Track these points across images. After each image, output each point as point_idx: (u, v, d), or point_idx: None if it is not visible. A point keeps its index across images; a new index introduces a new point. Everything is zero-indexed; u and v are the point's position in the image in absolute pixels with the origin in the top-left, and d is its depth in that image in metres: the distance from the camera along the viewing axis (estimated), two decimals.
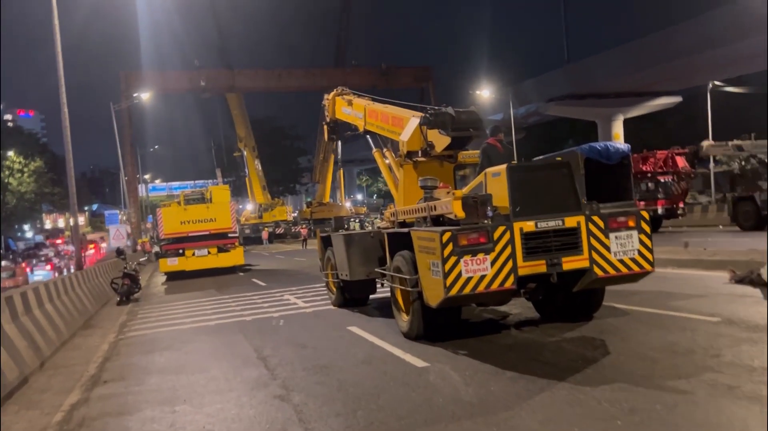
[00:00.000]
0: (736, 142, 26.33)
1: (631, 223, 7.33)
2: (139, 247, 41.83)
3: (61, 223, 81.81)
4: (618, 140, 44.18)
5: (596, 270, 7.19)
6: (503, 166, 7.26)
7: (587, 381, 5.53)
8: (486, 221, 7.09)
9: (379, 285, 11.00)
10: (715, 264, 12.36)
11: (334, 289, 11.93)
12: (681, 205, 27.02)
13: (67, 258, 45.18)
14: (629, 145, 8.07)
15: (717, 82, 40.85)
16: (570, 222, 7.15)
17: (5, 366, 7.26)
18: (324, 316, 11.03)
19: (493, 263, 6.90)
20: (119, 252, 20.53)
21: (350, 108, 12.75)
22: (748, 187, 24.41)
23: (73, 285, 13.71)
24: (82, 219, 79.80)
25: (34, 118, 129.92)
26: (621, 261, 7.28)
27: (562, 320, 8.26)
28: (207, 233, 23.27)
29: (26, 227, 78.21)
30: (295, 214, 63.32)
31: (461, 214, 7.07)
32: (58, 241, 66.28)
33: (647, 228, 7.39)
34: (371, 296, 11.76)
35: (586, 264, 7.18)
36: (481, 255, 6.87)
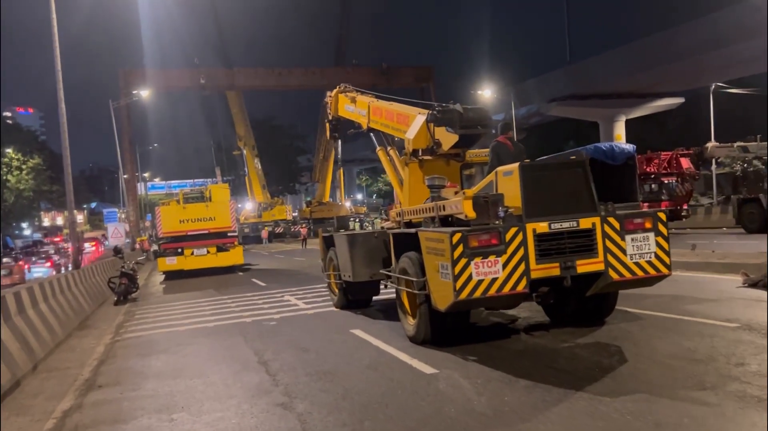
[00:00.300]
0: (741, 143, 26.09)
1: (648, 225, 7.05)
2: (137, 246, 41.53)
3: (59, 221, 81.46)
4: (619, 141, 43.91)
5: (611, 273, 6.92)
6: (515, 165, 6.98)
7: (607, 391, 5.25)
8: (497, 222, 6.82)
9: (382, 287, 10.73)
10: (726, 267, 12.10)
11: (336, 290, 11.65)
12: (685, 206, 26.76)
13: (67, 255, 44.81)
14: (634, 146, 7.81)
15: (720, 84, 40.59)
16: (585, 223, 6.87)
17: None
18: (326, 318, 10.75)
19: (505, 265, 6.62)
20: (117, 251, 20.24)
21: (353, 105, 12.48)
22: (753, 189, 24.18)
23: (69, 284, 13.42)
24: (80, 218, 79.48)
25: (33, 116, 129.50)
26: (637, 264, 7.00)
27: (573, 325, 7.98)
28: (206, 232, 22.98)
29: (24, 225, 77.82)
30: (295, 214, 63.05)
31: (472, 214, 6.79)
32: (57, 239, 65.94)
33: (664, 230, 7.11)
34: (374, 298, 11.50)
35: (601, 267, 6.90)
36: (492, 258, 6.60)
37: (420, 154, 9.73)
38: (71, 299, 12.85)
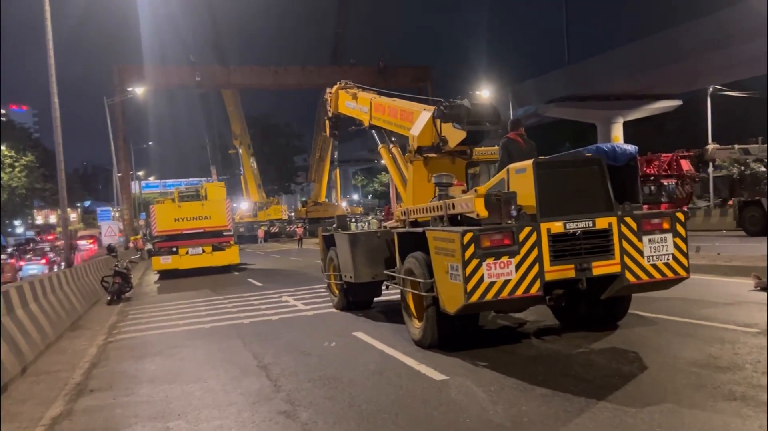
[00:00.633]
0: (742, 145, 25.90)
1: (666, 226, 6.77)
2: (131, 245, 41.06)
3: (52, 219, 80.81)
4: (617, 142, 43.73)
5: (628, 276, 6.63)
6: (529, 162, 6.68)
7: (630, 401, 4.95)
8: (510, 221, 6.52)
9: (384, 288, 10.43)
10: (734, 270, 11.85)
11: (337, 292, 11.33)
12: (684, 208, 26.55)
13: (62, 253, 44.34)
14: (636, 147, 7.54)
15: (718, 86, 40.48)
16: (601, 223, 6.58)
17: None
18: (326, 320, 10.42)
19: (518, 267, 6.32)
20: (110, 249, 19.84)
21: (354, 102, 12.18)
22: (753, 192, 23.99)
23: (61, 283, 13.04)
24: (74, 216, 78.85)
25: (26, 113, 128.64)
26: (654, 266, 6.72)
27: (584, 329, 7.69)
28: (201, 231, 22.62)
29: (17, 223, 77.15)
30: (291, 213, 62.67)
31: (484, 213, 6.49)
32: (49, 237, 65.39)
33: (683, 231, 6.83)
34: (375, 299, 11.18)
35: (617, 269, 6.61)
36: (505, 259, 6.29)
37: (425, 151, 9.44)
38: (63, 299, 12.48)
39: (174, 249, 22.35)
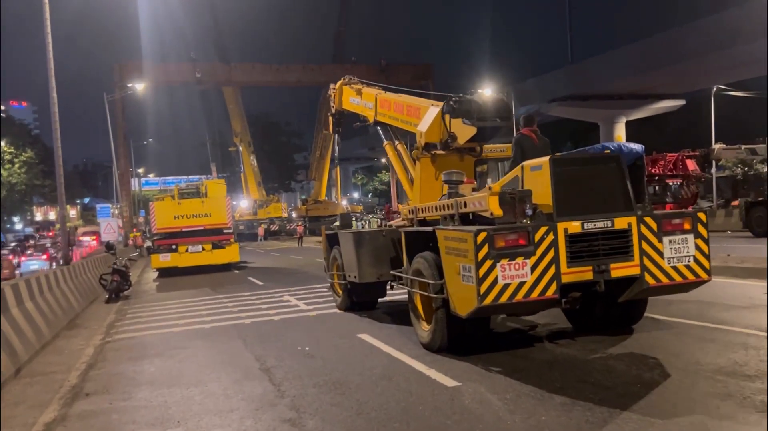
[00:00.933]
0: (749, 145, 25.64)
1: (687, 226, 6.50)
2: (130, 242, 40.79)
3: (52, 216, 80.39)
4: (623, 141, 43.44)
5: (648, 278, 6.36)
6: (545, 159, 6.40)
7: (656, 412, 4.68)
8: (525, 220, 6.25)
9: (388, 288, 10.17)
10: (747, 272, 11.60)
11: (340, 292, 11.06)
12: (690, 209, 26.25)
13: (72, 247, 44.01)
14: (643, 146, 7.27)
15: (721, 86, 40.20)
16: (620, 223, 6.31)
17: None
18: (330, 321, 10.15)
19: (533, 268, 6.05)
20: (109, 246, 19.56)
21: (359, 98, 11.91)
22: (758, 192, 23.72)
23: (58, 280, 12.77)
24: (73, 213, 78.55)
25: (26, 109, 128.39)
26: (675, 268, 6.45)
27: (599, 332, 7.42)
28: (201, 228, 22.34)
29: (16, 219, 76.85)
30: (291, 211, 62.37)
31: (498, 212, 6.21)
32: (48, 234, 65.06)
33: (704, 232, 6.56)
34: (379, 299, 10.91)
35: (636, 271, 6.34)
36: (520, 260, 6.02)
37: (432, 148, 9.17)
38: (60, 297, 12.20)
39: (173, 246, 22.08)
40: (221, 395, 6.18)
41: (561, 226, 6.14)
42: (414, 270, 7.62)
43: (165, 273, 22.27)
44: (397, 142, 10.99)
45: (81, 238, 45.93)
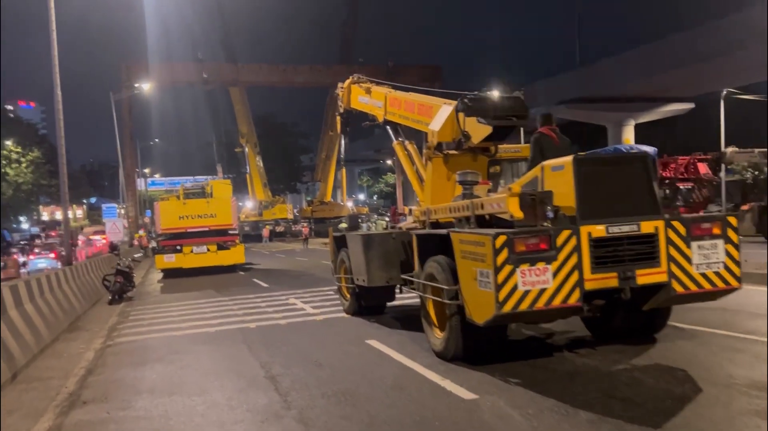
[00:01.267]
0: (763, 149, 25.22)
1: (717, 230, 6.16)
2: (135, 242, 40.60)
3: (58, 215, 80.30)
4: (634, 144, 43.04)
5: (675, 285, 6.02)
6: (568, 158, 6.07)
7: None
8: (546, 223, 5.92)
9: (397, 292, 9.86)
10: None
11: (348, 295, 10.75)
12: (701, 213, 25.83)
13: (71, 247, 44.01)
14: (656, 149, 6.94)
15: (731, 89, 39.73)
16: (647, 227, 5.97)
17: None
18: (337, 326, 9.83)
19: (555, 274, 5.72)
20: (113, 247, 19.32)
21: (368, 96, 11.61)
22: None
23: (60, 281, 12.50)
24: (80, 212, 78.56)
25: (34, 110, 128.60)
26: (704, 275, 6.10)
27: (619, 341, 7.08)
28: (206, 229, 22.08)
29: (22, 219, 76.86)
30: (297, 212, 62.13)
31: (519, 214, 5.88)
32: (53, 234, 65.03)
33: (734, 237, 6.22)
34: (387, 304, 10.59)
35: (663, 278, 6.00)
36: (541, 265, 5.69)
37: (445, 147, 8.86)
38: (61, 298, 11.93)
39: (178, 247, 21.83)
40: (225, 405, 5.87)
41: (584, 230, 5.81)
42: (426, 275, 7.30)
43: (169, 274, 22.01)
44: (407, 142, 10.69)
45: (92, 237, 45.89)
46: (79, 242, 45.45)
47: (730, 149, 26.63)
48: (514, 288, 5.64)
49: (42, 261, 36.84)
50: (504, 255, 5.64)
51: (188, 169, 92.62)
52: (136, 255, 23.70)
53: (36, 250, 42.02)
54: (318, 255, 28.57)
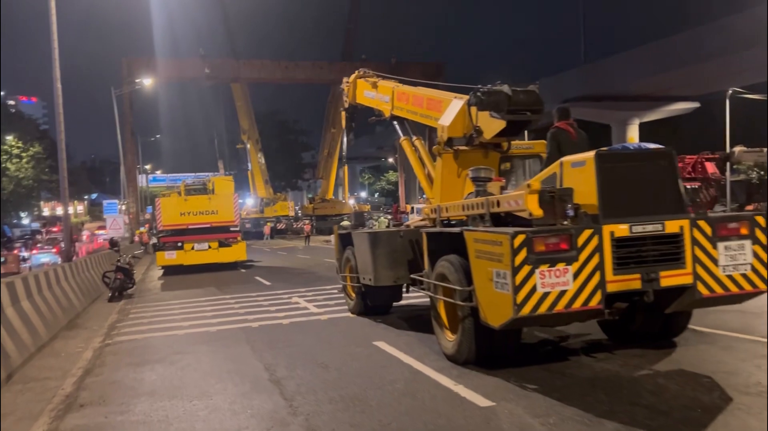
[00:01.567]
0: None
1: (744, 231, 5.88)
2: (136, 239, 40.36)
3: (59, 211, 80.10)
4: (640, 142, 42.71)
5: (700, 288, 5.74)
6: (589, 154, 5.79)
7: None
8: (566, 222, 5.64)
9: (404, 291, 9.60)
10: None
11: (353, 295, 10.47)
12: (708, 212, 25.53)
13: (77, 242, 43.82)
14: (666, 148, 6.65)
15: (737, 89, 39.38)
16: (671, 226, 5.70)
17: None
18: (343, 326, 9.57)
19: (576, 275, 5.44)
20: (113, 243, 19.06)
21: (374, 91, 11.32)
22: None
23: (59, 278, 12.23)
24: (81, 208, 78.37)
25: (36, 105, 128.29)
26: (730, 277, 5.83)
27: (637, 345, 6.81)
28: (208, 226, 21.82)
29: (23, 214, 76.63)
30: (298, 210, 61.87)
31: (539, 212, 5.60)
32: (54, 229, 64.84)
33: (763, 238, 5.94)
34: (394, 303, 10.32)
35: (689, 280, 5.72)
36: (561, 266, 5.41)
37: (455, 143, 8.57)
38: (60, 295, 11.67)
39: (179, 244, 21.58)
40: (228, 410, 5.60)
41: (607, 229, 5.53)
42: (438, 275, 7.03)
43: (170, 271, 21.76)
44: (414, 138, 10.41)
45: (97, 232, 45.73)
46: (84, 237, 45.37)
47: (738, 148, 26.32)
48: (533, 289, 5.36)
49: (45, 256, 36.69)
50: (522, 255, 5.36)
51: (189, 165, 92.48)
52: (136, 252, 23.43)
53: (39, 245, 41.87)
54: (320, 253, 28.33)
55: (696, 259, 5.73)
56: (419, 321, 9.32)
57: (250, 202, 58.26)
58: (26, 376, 7.45)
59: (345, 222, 30.27)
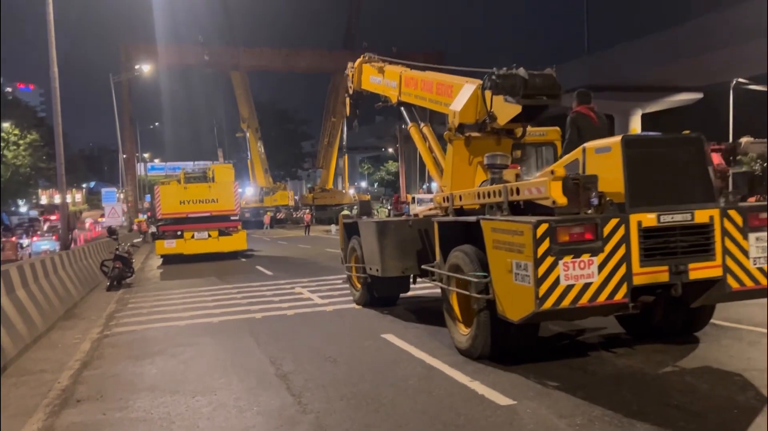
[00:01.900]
0: None
1: None
2: (135, 227, 40.06)
3: (57, 199, 79.74)
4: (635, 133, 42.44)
5: (730, 281, 5.46)
6: (615, 139, 5.49)
7: None
8: (590, 211, 5.35)
9: (411, 283, 9.33)
10: None
11: (359, 285, 10.19)
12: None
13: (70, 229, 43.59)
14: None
15: (741, 80, 38.99)
16: (701, 216, 5.41)
17: None
18: (349, 318, 9.29)
19: (601, 267, 5.15)
20: (111, 232, 18.76)
21: (381, 76, 10.96)
22: None
23: (56, 267, 11.94)
24: (78, 197, 78.00)
25: (33, 92, 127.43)
26: (761, 270, 5.55)
27: (657, 339, 6.54)
28: (208, 215, 21.52)
29: (21, 202, 76.24)
30: (297, 199, 61.55)
31: (563, 200, 5.30)
32: (53, 218, 64.52)
33: None
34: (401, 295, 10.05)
35: (718, 273, 5.44)
36: (586, 257, 5.13)
37: (467, 129, 8.25)
38: (57, 284, 11.38)
39: (179, 232, 21.29)
40: (233, 407, 5.32)
41: (634, 219, 5.24)
42: (451, 266, 6.73)
43: (169, 260, 21.48)
44: (422, 125, 10.07)
45: (100, 220, 45.44)
46: (87, 224, 45.05)
47: (745, 139, 25.76)
48: (556, 282, 5.08)
49: (45, 243, 36.41)
50: (545, 245, 5.07)
51: (188, 153, 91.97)
52: (135, 241, 23.14)
53: (39, 232, 41.59)
54: (321, 243, 28.05)
55: (726, 251, 5.45)
56: (427, 313, 9.05)
57: (249, 192, 57.90)
58: (22, 369, 7.17)
59: (345, 212, 29.96)
